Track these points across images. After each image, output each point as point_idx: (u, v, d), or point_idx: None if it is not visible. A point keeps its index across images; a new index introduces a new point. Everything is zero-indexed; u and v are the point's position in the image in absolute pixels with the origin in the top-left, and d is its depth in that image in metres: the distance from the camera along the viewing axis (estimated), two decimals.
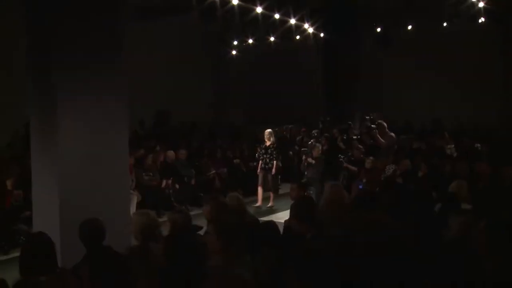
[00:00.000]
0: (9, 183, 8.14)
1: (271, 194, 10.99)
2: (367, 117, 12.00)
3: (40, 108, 5.56)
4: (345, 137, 11.82)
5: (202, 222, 4.67)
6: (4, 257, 7.31)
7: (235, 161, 12.42)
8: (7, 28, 9.44)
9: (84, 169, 5.48)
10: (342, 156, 10.78)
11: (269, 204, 10.79)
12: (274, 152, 11.01)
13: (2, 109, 10.32)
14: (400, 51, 15.81)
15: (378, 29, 15.35)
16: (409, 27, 15.19)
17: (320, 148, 10.40)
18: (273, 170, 10.97)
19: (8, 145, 10.50)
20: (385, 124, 10.43)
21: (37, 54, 5.53)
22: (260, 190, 10.97)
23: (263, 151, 11.10)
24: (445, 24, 14.79)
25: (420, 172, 8.80)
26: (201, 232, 4.44)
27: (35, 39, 5.54)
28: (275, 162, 10.96)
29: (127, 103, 5.96)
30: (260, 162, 11.06)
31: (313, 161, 10.16)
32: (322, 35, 14.59)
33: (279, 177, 11.72)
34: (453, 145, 11.03)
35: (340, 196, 4.66)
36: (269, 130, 11.19)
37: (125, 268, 3.07)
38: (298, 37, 14.94)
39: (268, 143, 11.05)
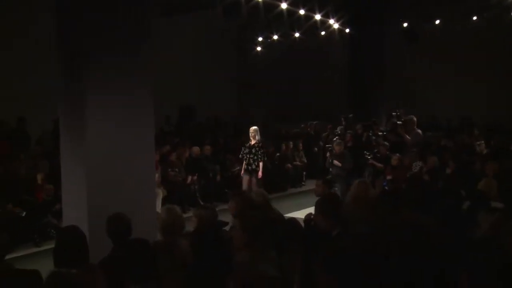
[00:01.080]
0: (39, 178, 8.34)
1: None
2: (393, 114, 11.88)
3: (69, 105, 5.66)
4: (370, 134, 11.72)
5: (227, 218, 4.69)
6: (36, 250, 7.51)
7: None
8: (39, 26, 9.63)
9: (111, 165, 5.56)
10: (367, 153, 10.70)
11: None
12: (260, 152, 9.91)
13: (33, 105, 10.53)
14: (426, 46, 15.56)
15: (405, 24, 15.14)
16: (437, 22, 14.92)
17: (343, 145, 10.31)
18: (260, 173, 9.86)
19: (38, 141, 10.71)
20: (414, 120, 10.28)
21: (66, 52, 5.62)
22: None
23: (246, 150, 10.00)
24: (474, 18, 14.50)
25: (448, 170, 8.66)
26: (227, 228, 4.46)
27: (65, 37, 5.63)
28: (261, 163, 9.89)
29: (153, 99, 6.02)
30: (244, 163, 10.03)
31: (339, 164, 9.83)
32: (347, 30, 14.47)
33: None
34: (483, 142, 10.79)
35: (366, 193, 4.62)
36: (254, 127, 10.18)
37: (151, 263, 3.10)
38: (323, 33, 14.87)
39: (253, 142, 9.98)
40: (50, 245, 3.45)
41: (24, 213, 7.85)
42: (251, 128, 10.14)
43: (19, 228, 7.72)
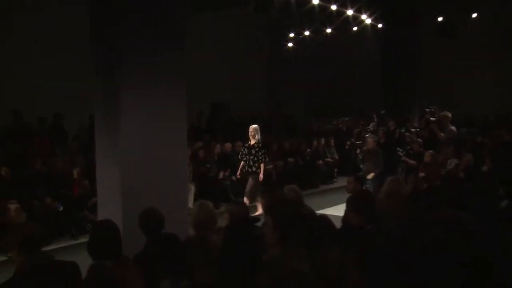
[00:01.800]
0: (75, 173, 8.55)
1: (258, 202, 8.79)
2: (426, 110, 11.69)
3: (103, 101, 5.77)
4: (403, 130, 11.56)
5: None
6: (73, 242, 7.71)
7: (289, 159, 12.31)
8: (74, 26, 9.83)
9: (144, 160, 5.65)
10: (400, 150, 10.55)
11: (257, 213, 8.61)
12: (260, 153, 9.19)
13: (69, 102, 10.77)
14: (462, 41, 15.20)
15: (440, 18, 14.82)
16: (474, 15, 14.53)
17: (376, 140, 10.17)
18: (261, 175, 9.16)
19: (75, 137, 10.96)
20: (449, 116, 10.07)
21: (101, 50, 5.73)
22: (246, 199, 8.98)
23: (246, 151, 9.32)
24: None
25: (484, 167, 8.47)
26: (258, 224, 4.48)
27: (100, 34, 5.74)
28: (262, 165, 9.20)
29: (186, 95, 6.09)
30: (242, 164, 9.36)
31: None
32: (380, 25, 14.27)
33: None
34: None
35: (400, 190, 4.57)
36: (254, 125, 9.44)
37: (183, 257, 3.15)
38: (355, 28, 14.70)
39: (252, 142, 9.28)
40: (86, 238, 3.53)
41: (62, 207, 8.07)
42: (250, 127, 9.42)
43: (57, 221, 7.95)
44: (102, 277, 3.12)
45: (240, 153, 9.59)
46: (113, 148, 5.66)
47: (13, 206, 7.47)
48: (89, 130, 9.93)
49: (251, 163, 9.21)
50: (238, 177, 9.50)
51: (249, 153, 9.23)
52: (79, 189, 8.50)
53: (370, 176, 9.49)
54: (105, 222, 3.58)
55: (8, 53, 10.88)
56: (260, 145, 9.23)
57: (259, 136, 9.30)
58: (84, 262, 3.31)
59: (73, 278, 3.16)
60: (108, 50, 5.61)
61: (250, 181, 9.21)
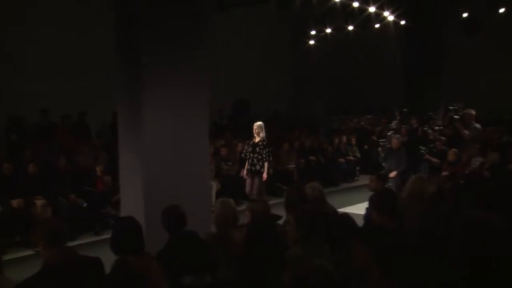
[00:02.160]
0: (98, 170, 8.67)
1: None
2: (450, 108, 11.52)
3: (126, 99, 5.83)
4: (425, 128, 11.43)
5: (280, 212, 4.71)
6: (97, 238, 7.82)
7: (311, 157, 12.27)
8: (99, 24, 9.96)
9: (166, 158, 5.70)
10: (423, 148, 10.43)
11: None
12: (264, 151, 8.78)
13: (92, 100, 10.91)
14: (489, 37, 14.93)
15: (464, 14, 14.58)
16: (501, 10, 14.23)
17: (399, 139, 10.07)
18: (265, 174, 8.79)
19: (98, 134, 11.11)
20: (473, 113, 9.90)
21: (124, 47, 5.79)
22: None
23: (250, 149, 8.90)
24: None
25: (510, 166, 8.32)
26: (280, 222, 4.48)
27: (123, 31, 5.80)
28: (266, 164, 8.81)
29: (208, 93, 6.12)
30: (247, 163, 8.94)
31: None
32: (402, 22, 14.11)
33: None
34: None
35: (423, 189, 4.52)
36: (258, 122, 8.98)
37: (205, 254, 3.16)
38: (377, 25, 14.56)
39: (257, 139, 8.87)
40: (109, 235, 3.58)
41: (85, 203, 8.19)
42: (255, 124, 8.98)
43: (81, 217, 8.07)
44: (126, 273, 3.16)
45: (244, 151, 9.22)
46: (136, 145, 5.72)
47: (39, 202, 7.62)
48: (112, 127, 10.05)
49: (255, 162, 8.81)
50: (245, 177, 9.05)
51: (253, 151, 8.84)
52: (102, 186, 8.62)
53: (393, 174, 9.40)
54: (128, 218, 3.62)
55: (36, 53, 11.07)
56: (264, 143, 8.84)
57: (264, 133, 8.92)
58: (107, 257, 3.35)
59: (97, 273, 3.20)
60: (131, 48, 5.67)
61: (255, 181, 8.81)
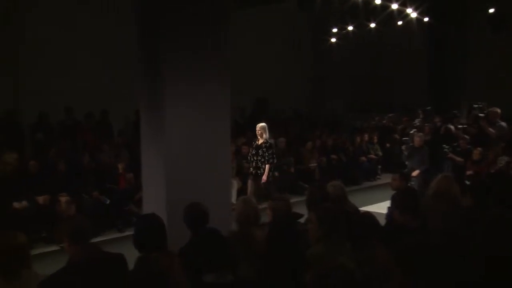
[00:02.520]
0: (120, 167, 8.77)
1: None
2: (475, 106, 11.35)
3: (149, 97, 5.88)
4: (448, 126, 11.27)
5: (301, 210, 4.71)
6: (119, 235, 7.91)
7: (332, 156, 12.21)
8: (122, 23, 10.07)
9: (188, 156, 5.73)
10: (446, 146, 10.29)
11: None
12: (267, 153, 8.46)
13: (115, 98, 11.04)
14: None
15: (491, 10, 14.31)
16: None
17: (422, 137, 9.95)
18: (264, 176, 8.44)
19: (120, 132, 11.24)
20: (499, 112, 9.73)
21: (146, 44, 5.84)
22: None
23: (253, 151, 8.55)
24: None
25: None
26: (302, 220, 4.47)
27: (145, 30, 5.85)
28: (267, 166, 8.44)
29: (229, 92, 6.14)
30: (251, 166, 8.67)
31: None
32: (426, 19, 13.92)
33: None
34: None
35: (449, 188, 4.45)
36: (261, 124, 8.69)
37: (226, 252, 3.17)
38: (400, 22, 14.40)
39: (260, 141, 8.57)
40: (132, 231, 3.62)
41: (108, 200, 8.30)
42: (258, 125, 8.65)
43: (104, 214, 8.18)
44: (148, 269, 3.20)
45: (249, 154, 8.85)
46: (158, 143, 5.77)
47: (64, 199, 7.75)
48: (135, 125, 10.15)
49: (259, 164, 8.51)
50: (250, 180, 8.64)
51: (256, 154, 8.52)
52: (125, 183, 8.72)
53: (415, 173, 9.30)
54: (151, 215, 3.66)
55: (59, 51, 11.25)
56: (267, 144, 8.54)
57: (267, 135, 8.61)
58: (130, 254, 3.39)
59: (121, 269, 3.25)
60: (153, 46, 5.72)
61: (259, 184, 8.47)
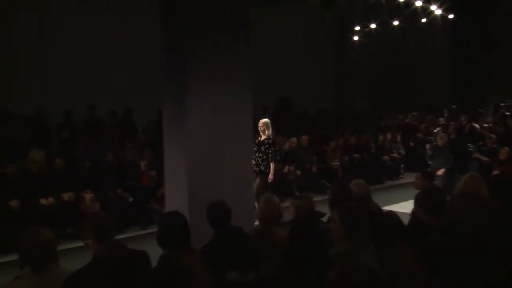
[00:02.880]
0: (142, 165, 8.86)
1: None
2: (501, 104, 11.16)
3: (171, 96, 5.92)
4: (474, 125, 11.10)
5: (324, 209, 4.68)
6: (142, 232, 7.99)
7: (355, 155, 12.13)
8: (143, 22, 10.17)
9: (210, 154, 5.75)
10: (472, 146, 10.14)
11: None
12: (270, 150, 8.26)
13: (138, 96, 11.15)
14: None
15: None
16: None
17: (446, 137, 9.82)
18: (270, 176, 8.27)
19: (143, 130, 11.36)
20: None
21: (170, 43, 5.88)
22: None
23: (255, 148, 8.17)
24: None
25: None
26: (324, 219, 4.45)
27: (169, 30, 5.89)
28: (272, 164, 8.29)
29: (252, 90, 6.14)
30: (253, 163, 8.03)
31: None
32: (450, 16, 13.73)
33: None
34: None
35: (476, 188, 4.38)
36: (264, 120, 8.49)
37: (250, 250, 3.18)
38: (424, 20, 14.23)
39: (262, 138, 8.37)
40: (154, 229, 3.66)
41: (131, 198, 8.39)
42: (260, 121, 8.41)
43: (127, 211, 8.27)
44: (171, 267, 3.22)
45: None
46: (180, 141, 5.80)
47: (88, 196, 7.86)
48: (158, 123, 10.25)
49: (260, 162, 8.28)
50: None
51: (258, 150, 8.27)
52: (147, 181, 8.79)
53: (440, 172, 9.18)
54: (174, 213, 3.69)
55: (83, 49, 11.41)
56: (270, 141, 8.33)
57: (269, 131, 8.39)
58: (152, 251, 3.42)
59: (144, 266, 3.28)
60: (177, 45, 5.75)
61: (257, 181, 8.21)
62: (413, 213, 4.39)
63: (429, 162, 9.92)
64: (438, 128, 11.04)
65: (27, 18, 10.96)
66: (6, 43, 10.65)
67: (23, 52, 10.87)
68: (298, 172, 10.63)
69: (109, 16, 11.69)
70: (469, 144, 10.17)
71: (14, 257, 3.43)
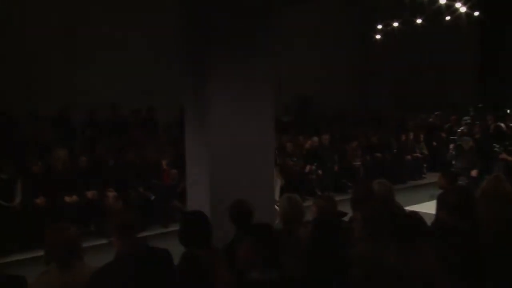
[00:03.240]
0: (164, 163, 8.93)
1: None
2: None
3: (193, 95, 5.95)
4: (500, 124, 10.90)
5: (345, 209, 4.65)
6: (164, 230, 8.05)
7: (377, 154, 12.01)
8: (165, 22, 10.23)
9: (232, 153, 5.76)
10: (497, 146, 9.96)
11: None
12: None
13: (160, 95, 11.22)
14: None
15: None
16: None
17: (470, 141, 9.65)
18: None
19: (165, 129, 11.44)
20: None
21: (192, 42, 5.90)
22: None
23: None
24: None
25: None
26: (346, 219, 4.42)
27: (190, 28, 5.92)
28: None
29: (273, 89, 6.13)
30: None
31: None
32: (476, 13, 13.48)
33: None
34: None
35: (498, 188, 4.30)
36: None
37: (273, 248, 3.17)
38: (448, 17, 14.01)
39: None
40: (176, 227, 3.68)
41: (153, 196, 8.46)
42: None
43: (149, 209, 8.35)
44: (194, 265, 3.24)
45: None
46: (202, 140, 5.83)
47: (111, 194, 7.96)
48: (180, 122, 10.31)
49: None
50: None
51: None
52: (169, 179, 8.86)
53: (474, 173, 9.04)
54: (196, 212, 3.71)
55: (105, 49, 11.54)
56: None
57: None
58: (174, 250, 3.44)
59: (167, 264, 3.30)
60: (199, 45, 5.78)
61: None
62: (436, 214, 4.34)
63: (453, 162, 9.78)
64: (462, 128, 10.87)
65: (50, 19, 11.13)
66: (29, 43, 10.84)
67: (48, 53, 11.04)
68: (320, 172, 10.59)
69: (134, 16, 11.80)
70: (495, 144, 9.99)
71: (40, 253, 3.49)
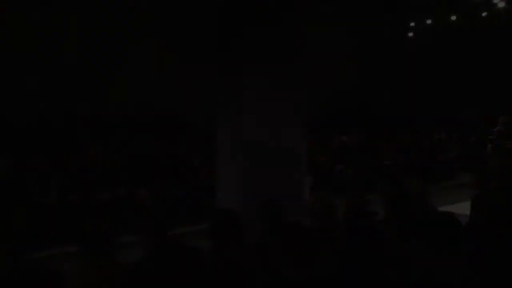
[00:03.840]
0: (196, 161, 9.00)
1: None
2: None
3: (227, 96, 5.99)
4: None
5: (377, 208, 4.60)
6: (195, 228, 8.10)
7: (409, 153, 11.84)
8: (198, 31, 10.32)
9: (264, 151, 5.79)
10: None
11: None
12: None
13: (194, 94, 11.30)
14: None
15: None
16: None
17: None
18: None
19: (197, 127, 11.52)
20: None
21: (226, 44, 5.95)
22: None
23: None
24: None
25: None
26: (377, 218, 4.37)
27: (225, 38, 5.96)
28: None
29: (306, 89, 6.12)
30: None
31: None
32: None
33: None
34: None
35: None
36: None
37: (305, 247, 3.16)
38: (484, 13, 13.68)
39: None
40: (207, 225, 3.70)
41: (184, 194, 8.53)
42: None
43: (180, 207, 8.42)
44: (225, 263, 3.26)
45: None
46: (234, 139, 5.86)
47: (143, 191, 8.07)
48: (212, 122, 10.37)
49: None
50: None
51: None
52: (201, 177, 8.91)
53: None
54: (227, 210, 3.73)
55: (142, 51, 11.70)
56: None
57: None
58: (205, 247, 3.46)
59: (197, 262, 3.33)
60: (233, 46, 5.82)
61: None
62: (471, 215, 4.25)
63: (488, 162, 9.53)
64: (498, 127, 10.58)
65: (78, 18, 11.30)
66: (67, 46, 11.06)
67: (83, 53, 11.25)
68: (351, 170, 10.50)
69: (165, 13, 11.92)
70: None
71: (73, 248, 3.56)
